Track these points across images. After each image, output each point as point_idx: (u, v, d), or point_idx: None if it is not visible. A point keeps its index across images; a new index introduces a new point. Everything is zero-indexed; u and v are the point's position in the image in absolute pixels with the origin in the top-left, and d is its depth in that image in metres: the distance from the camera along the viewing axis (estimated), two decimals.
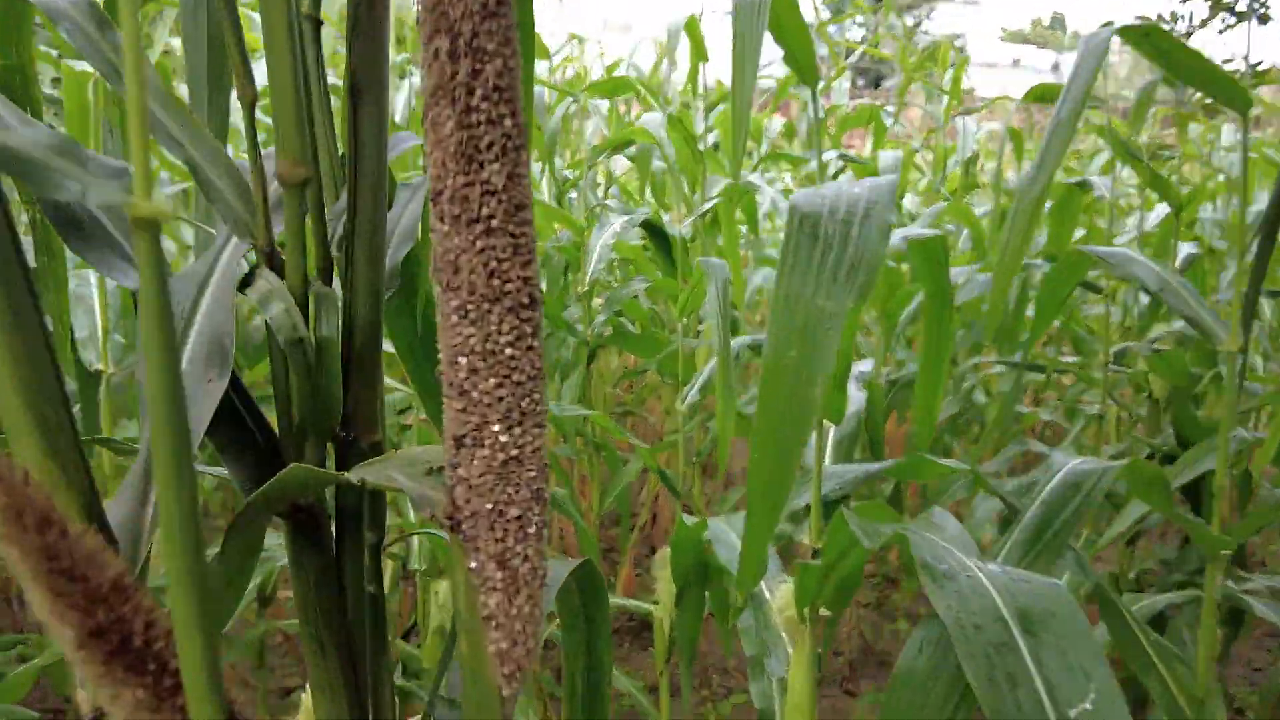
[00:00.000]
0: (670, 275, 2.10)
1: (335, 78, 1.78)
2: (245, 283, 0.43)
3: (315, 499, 0.45)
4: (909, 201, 2.94)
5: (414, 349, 0.77)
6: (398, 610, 1.91)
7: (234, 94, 0.52)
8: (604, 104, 2.73)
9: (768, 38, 0.78)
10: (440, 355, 0.35)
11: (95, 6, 0.45)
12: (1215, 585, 1.05)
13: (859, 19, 3.91)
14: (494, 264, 0.33)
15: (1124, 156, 1.77)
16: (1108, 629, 1.12)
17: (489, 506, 0.34)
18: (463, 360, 0.33)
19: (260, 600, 1.64)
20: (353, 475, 0.38)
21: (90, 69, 1.25)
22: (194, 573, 0.28)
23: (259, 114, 0.47)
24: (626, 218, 1.98)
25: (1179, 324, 1.92)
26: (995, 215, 2.44)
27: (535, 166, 2.25)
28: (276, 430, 0.47)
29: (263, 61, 0.43)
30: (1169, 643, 1.19)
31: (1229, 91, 0.94)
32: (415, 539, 1.50)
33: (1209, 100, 2.26)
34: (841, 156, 1.91)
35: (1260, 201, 2.34)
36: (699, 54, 2.27)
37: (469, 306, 0.33)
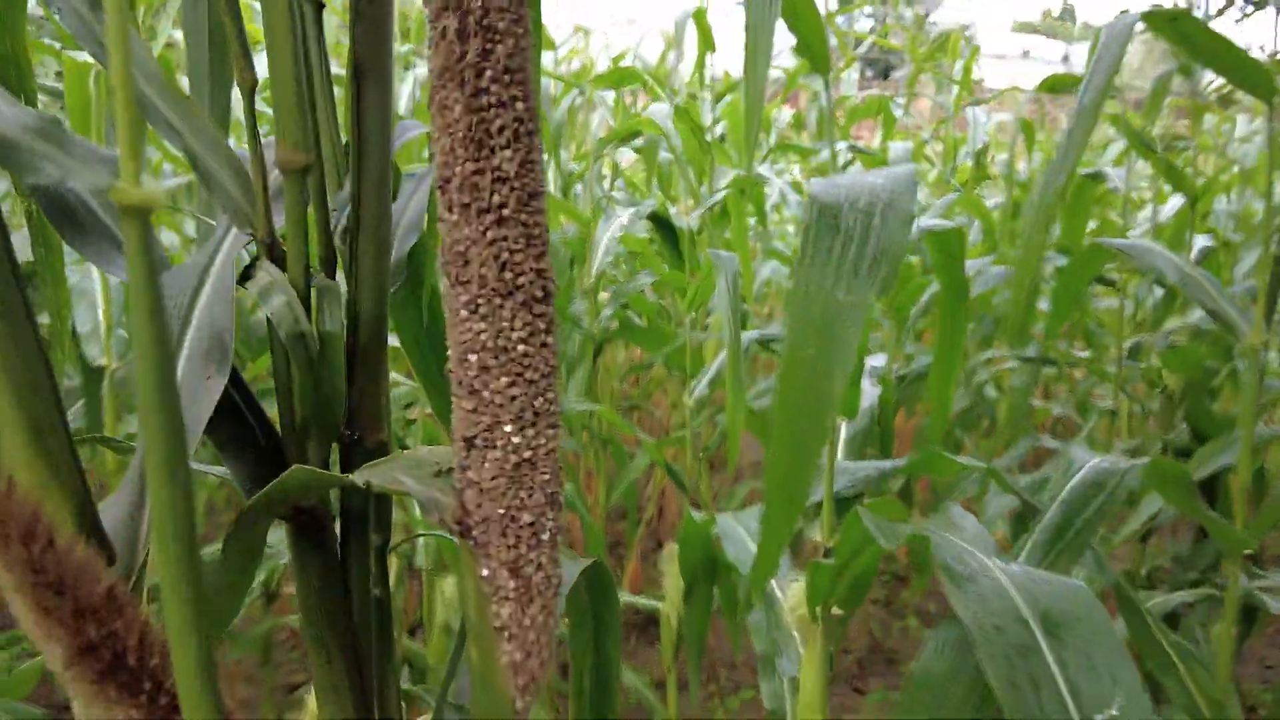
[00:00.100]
0: (677, 268, 2.08)
1: (339, 68, 1.76)
2: (246, 275, 0.42)
3: (319, 500, 0.43)
4: (919, 193, 2.91)
5: (419, 342, 0.76)
6: (403, 607, 1.90)
7: (235, 85, 0.50)
8: (609, 96, 2.71)
9: (779, 27, 0.76)
10: (449, 351, 0.33)
11: None
12: (1237, 584, 1.03)
13: (867, 9, 3.87)
14: (506, 256, 0.31)
15: (1139, 148, 1.74)
16: (1127, 627, 1.10)
17: (501, 511, 0.32)
18: (473, 358, 0.32)
19: (265, 596, 1.63)
20: (358, 478, 0.36)
21: (92, 60, 1.24)
22: (189, 579, 0.26)
23: (260, 104, 0.46)
24: (633, 210, 1.96)
25: (1193, 317, 1.90)
26: (1008, 207, 2.42)
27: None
28: (278, 427, 0.46)
29: (264, 51, 0.42)
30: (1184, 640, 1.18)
31: (1255, 79, 0.92)
32: (421, 534, 1.49)
33: (1225, 90, 2.22)
34: (851, 148, 1.89)
35: None
36: (706, 44, 2.25)
37: (479, 301, 0.31)
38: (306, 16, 0.44)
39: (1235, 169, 2.62)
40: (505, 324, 0.32)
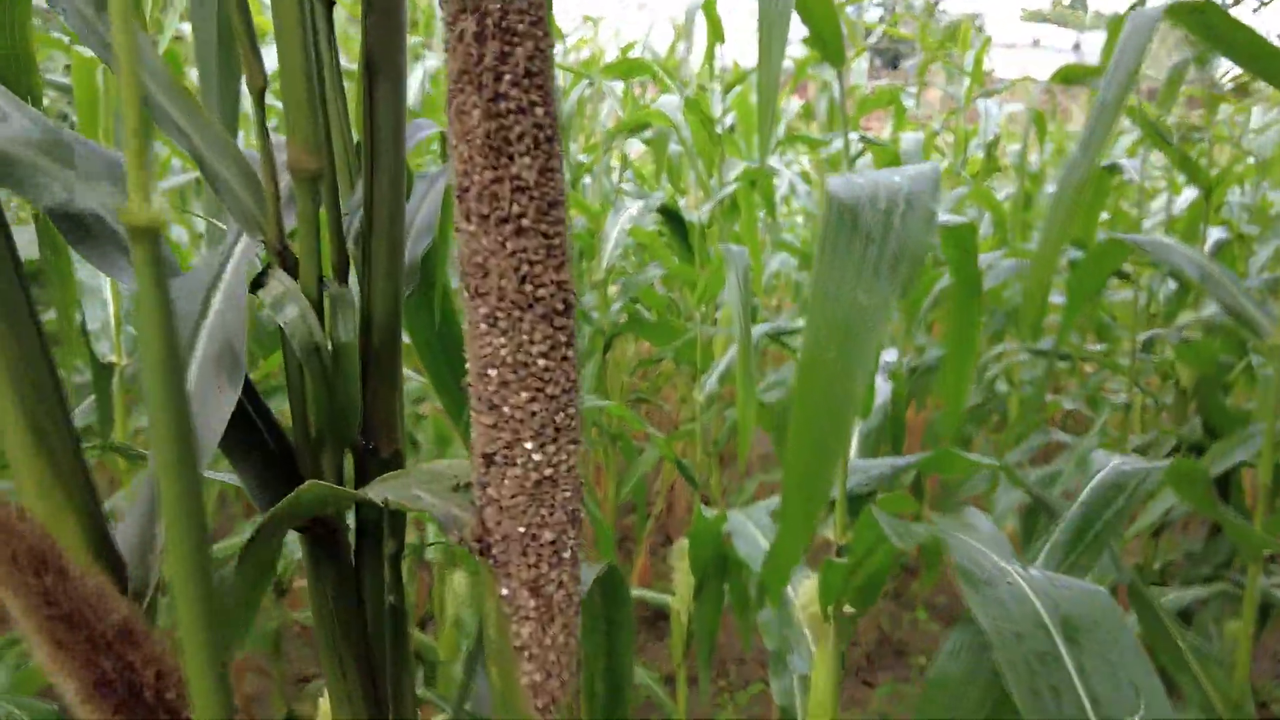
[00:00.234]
0: (687, 261, 2.07)
1: (349, 62, 1.74)
2: (258, 284, 0.41)
3: (333, 512, 0.43)
4: None
5: (431, 344, 0.75)
6: (414, 600, 1.90)
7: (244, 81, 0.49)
8: (619, 86, 2.69)
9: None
10: (467, 365, 0.32)
11: None
12: (1256, 585, 1.02)
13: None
14: (525, 267, 0.30)
15: (1153, 138, 1.72)
16: (1140, 625, 1.09)
17: (521, 530, 0.31)
18: (492, 372, 0.31)
19: (277, 590, 1.63)
20: (374, 493, 0.35)
21: None
22: (199, 577, 0.25)
23: (270, 98, 0.45)
24: (642, 202, 1.94)
25: (1207, 311, 1.88)
26: (1019, 199, 2.39)
27: None
28: (289, 434, 0.45)
29: (274, 47, 0.41)
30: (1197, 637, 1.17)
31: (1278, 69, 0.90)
32: (430, 525, 1.49)
33: (1241, 80, 2.19)
34: (862, 139, 1.86)
35: None
36: (716, 35, 2.23)
37: (499, 314, 0.30)
38: (316, 9, 0.43)
39: (1250, 160, 2.59)
40: (525, 337, 0.31)
